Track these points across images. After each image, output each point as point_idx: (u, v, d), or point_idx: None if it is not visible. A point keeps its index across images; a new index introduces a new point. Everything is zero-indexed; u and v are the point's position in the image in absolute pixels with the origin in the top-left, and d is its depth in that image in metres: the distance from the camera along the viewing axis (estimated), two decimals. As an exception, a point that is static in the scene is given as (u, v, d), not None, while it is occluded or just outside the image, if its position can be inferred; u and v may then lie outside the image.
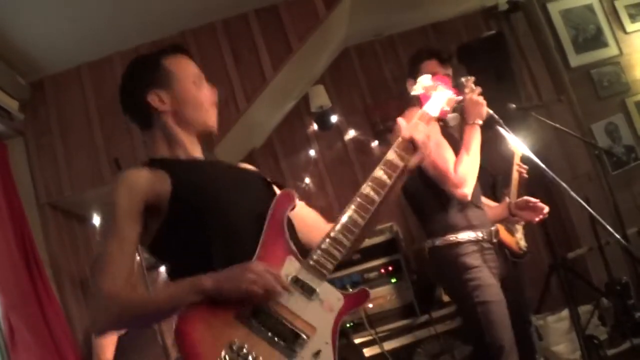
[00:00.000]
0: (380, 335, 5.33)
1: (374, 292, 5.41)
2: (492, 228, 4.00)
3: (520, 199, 4.19)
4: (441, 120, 2.69)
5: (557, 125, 4.40)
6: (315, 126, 6.91)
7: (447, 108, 2.65)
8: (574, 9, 6.98)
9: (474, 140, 3.82)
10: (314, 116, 6.85)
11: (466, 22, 7.10)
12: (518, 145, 3.64)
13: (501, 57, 6.21)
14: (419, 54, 4.26)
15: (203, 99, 2.55)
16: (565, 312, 5.47)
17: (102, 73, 5.37)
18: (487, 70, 6.02)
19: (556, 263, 5.28)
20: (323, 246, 2.25)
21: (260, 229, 2.27)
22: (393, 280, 5.49)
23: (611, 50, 6.97)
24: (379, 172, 2.39)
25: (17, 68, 5.06)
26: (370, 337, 5.32)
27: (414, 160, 2.46)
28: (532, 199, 4.11)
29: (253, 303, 2.09)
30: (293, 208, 2.39)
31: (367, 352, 5.29)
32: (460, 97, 2.74)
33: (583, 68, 6.89)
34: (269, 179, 2.65)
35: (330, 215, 2.48)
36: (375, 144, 6.82)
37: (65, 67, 5.35)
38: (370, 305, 5.39)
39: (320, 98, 6.66)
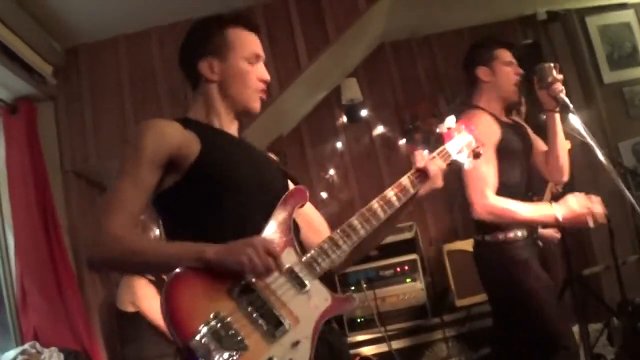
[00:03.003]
0: (389, 333, 5.33)
1: (388, 290, 5.43)
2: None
3: None
4: (454, 161, 2.76)
5: (585, 139, 4.36)
6: (344, 118, 6.92)
7: (466, 151, 2.77)
8: (611, 25, 6.93)
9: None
10: (344, 108, 6.85)
11: (503, 28, 7.04)
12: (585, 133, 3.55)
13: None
14: (490, 41, 4.22)
15: (251, 80, 2.54)
16: (575, 328, 5.45)
17: (138, 46, 5.42)
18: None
19: (571, 278, 5.27)
20: (321, 245, 2.34)
21: (269, 214, 2.34)
22: (408, 280, 5.47)
23: (645, 70, 6.93)
24: (390, 193, 2.51)
25: (54, 33, 5.10)
26: (379, 334, 5.33)
27: (424, 189, 2.61)
28: None
29: (246, 278, 2.12)
30: (302, 206, 2.47)
31: (375, 349, 5.33)
32: (479, 145, 2.79)
33: (616, 85, 6.83)
34: (286, 171, 2.70)
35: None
36: (402, 142, 6.79)
37: (102, 36, 5.39)
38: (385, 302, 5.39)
39: (352, 91, 6.65)
